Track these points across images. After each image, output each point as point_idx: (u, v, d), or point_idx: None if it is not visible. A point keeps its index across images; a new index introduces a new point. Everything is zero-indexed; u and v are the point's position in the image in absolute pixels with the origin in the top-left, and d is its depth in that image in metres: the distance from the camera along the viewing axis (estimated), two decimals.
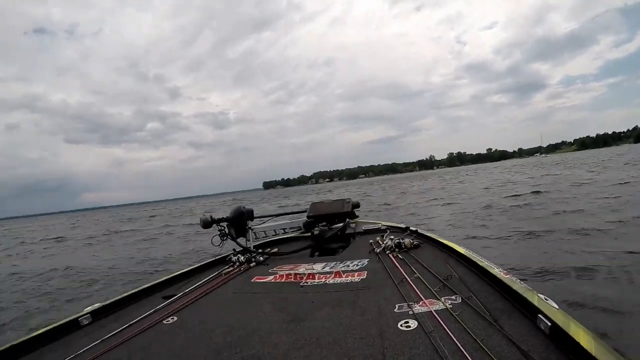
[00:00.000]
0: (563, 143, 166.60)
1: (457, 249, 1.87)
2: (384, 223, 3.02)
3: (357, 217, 3.33)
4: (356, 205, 3.30)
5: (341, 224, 2.96)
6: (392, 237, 2.30)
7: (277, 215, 3.48)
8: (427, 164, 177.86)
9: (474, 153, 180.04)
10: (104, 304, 1.74)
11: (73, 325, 1.56)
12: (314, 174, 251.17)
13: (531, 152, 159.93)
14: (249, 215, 2.85)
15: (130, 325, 1.48)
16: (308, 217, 3.25)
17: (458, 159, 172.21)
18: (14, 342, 1.37)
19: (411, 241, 2.19)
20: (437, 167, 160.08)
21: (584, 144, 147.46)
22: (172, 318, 1.52)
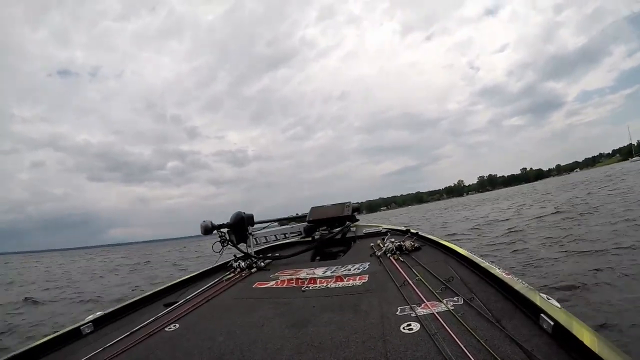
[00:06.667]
0: (601, 155, 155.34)
1: (458, 251, 1.87)
2: (384, 226, 3.02)
3: (357, 220, 3.29)
4: (356, 209, 3.27)
5: (341, 228, 2.92)
6: (392, 240, 2.30)
7: (277, 220, 3.42)
8: (456, 191, 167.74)
9: (506, 175, 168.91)
10: (105, 312, 1.73)
11: (75, 334, 1.55)
12: None
13: (570, 168, 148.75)
14: (249, 220, 2.81)
15: (132, 333, 1.47)
16: (308, 221, 3.22)
17: (489, 183, 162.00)
18: (15, 353, 1.36)
19: (412, 244, 2.17)
20: (468, 194, 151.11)
21: (630, 152, 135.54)
22: (174, 325, 1.51)
